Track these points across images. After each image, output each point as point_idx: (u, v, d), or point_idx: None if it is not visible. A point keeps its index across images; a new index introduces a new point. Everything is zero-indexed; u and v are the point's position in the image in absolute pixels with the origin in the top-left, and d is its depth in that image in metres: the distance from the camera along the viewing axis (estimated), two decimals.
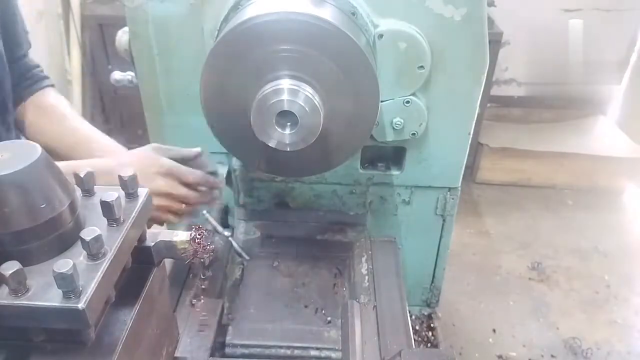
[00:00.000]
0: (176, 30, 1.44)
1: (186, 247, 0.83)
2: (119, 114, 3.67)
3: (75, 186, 0.77)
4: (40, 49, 3.24)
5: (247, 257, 1.48)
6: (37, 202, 0.66)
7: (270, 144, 1.10)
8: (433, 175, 1.60)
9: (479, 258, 3.20)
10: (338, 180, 1.63)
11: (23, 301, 0.62)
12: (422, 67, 1.35)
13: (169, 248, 0.84)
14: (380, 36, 1.31)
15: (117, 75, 1.81)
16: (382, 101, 1.34)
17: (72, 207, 0.71)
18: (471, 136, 1.52)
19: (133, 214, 0.77)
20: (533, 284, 3.04)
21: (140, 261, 0.82)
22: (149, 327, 0.85)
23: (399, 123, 1.43)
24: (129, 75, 1.78)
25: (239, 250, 1.48)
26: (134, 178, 0.80)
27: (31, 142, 0.70)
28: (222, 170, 1.55)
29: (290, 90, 1.05)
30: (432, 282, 1.85)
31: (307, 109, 1.06)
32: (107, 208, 0.72)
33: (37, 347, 0.69)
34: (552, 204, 3.70)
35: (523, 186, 3.82)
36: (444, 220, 1.70)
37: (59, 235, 0.69)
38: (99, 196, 0.76)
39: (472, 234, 3.41)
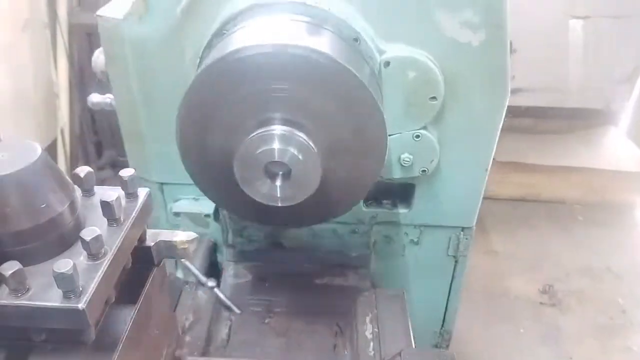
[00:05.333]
0: (155, 53, 1.27)
1: (186, 247, 0.85)
2: (109, 127, 3.50)
3: (75, 186, 0.77)
4: (25, 60, 3.08)
5: (237, 311, 1.31)
6: (37, 202, 0.67)
7: (257, 199, 0.93)
8: (445, 214, 1.44)
9: (487, 282, 3.04)
10: (338, 219, 1.46)
11: (23, 301, 0.63)
12: (434, 97, 1.19)
13: (169, 248, 0.86)
14: (387, 64, 1.14)
15: (94, 98, 1.64)
16: (389, 135, 1.18)
17: (72, 207, 0.72)
18: (488, 172, 1.36)
19: (133, 214, 0.78)
20: (544, 309, 2.89)
21: (140, 261, 0.84)
22: (149, 327, 0.87)
23: (408, 159, 1.27)
24: (107, 98, 1.61)
25: (227, 302, 1.31)
26: (134, 178, 0.80)
27: (31, 142, 0.70)
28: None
29: (281, 137, 0.89)
30: (443, 325, 1.68)
31: (301, 157, 0.90)
32: (107, 208, 0.73)
33: (37, 347, 0.71)
34: (562, 220, 3.54)
35: (532, 201, 3.67)
36: (456, 262, 1.55)
37: (59, 235, 0.70)
38: (99, 196, 0.77)
39: (479, 254, 3.24)
